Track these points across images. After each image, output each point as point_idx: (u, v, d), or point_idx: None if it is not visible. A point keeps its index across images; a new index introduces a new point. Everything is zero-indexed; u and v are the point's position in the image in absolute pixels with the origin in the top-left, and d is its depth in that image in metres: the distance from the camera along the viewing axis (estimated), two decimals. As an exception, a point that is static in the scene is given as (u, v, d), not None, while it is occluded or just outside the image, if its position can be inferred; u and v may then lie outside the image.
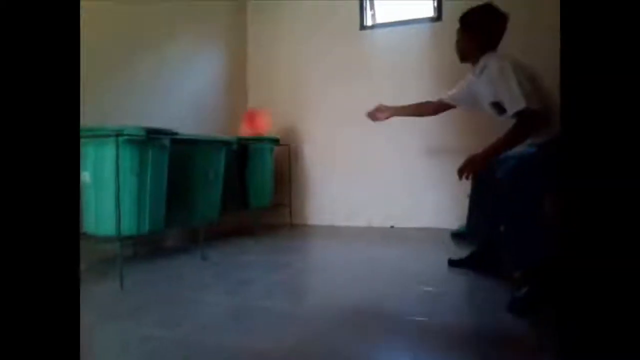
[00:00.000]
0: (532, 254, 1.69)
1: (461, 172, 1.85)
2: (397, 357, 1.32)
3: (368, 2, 3.88)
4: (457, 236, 2.48)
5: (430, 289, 1.88)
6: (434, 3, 3.62)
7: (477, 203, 2.12)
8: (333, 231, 3.63)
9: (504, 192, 1.74)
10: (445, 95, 2.35)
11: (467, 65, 2.09)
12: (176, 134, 2.42)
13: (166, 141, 2.37)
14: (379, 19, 3.90)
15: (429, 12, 3.65)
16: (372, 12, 3.91)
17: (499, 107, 1.89)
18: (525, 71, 1.81)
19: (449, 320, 1.58)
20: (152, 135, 2.23)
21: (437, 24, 3.59)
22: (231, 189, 3.15)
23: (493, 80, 1.84)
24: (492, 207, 2.00)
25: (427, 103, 2.45)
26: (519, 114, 1.75)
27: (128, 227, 2.17)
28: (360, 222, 3.79)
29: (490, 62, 1.88)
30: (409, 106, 2.51)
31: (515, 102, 1.75)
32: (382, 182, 3.75)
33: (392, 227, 3.67)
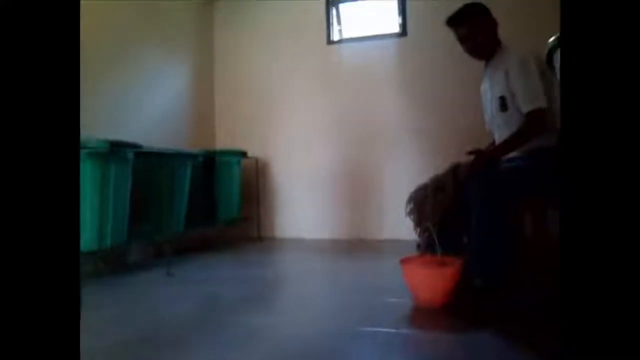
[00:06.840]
0: (496, 265, 1.72)
1: (472, 169, 1.81)
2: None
3: (335, 17, 3.95)
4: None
5: (395, 299, 1.89)
6: (399, 19, 3.71)
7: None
8: (301, 244, 3.62)
9: (475, 203, 1.75)
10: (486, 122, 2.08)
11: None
12: (140, 147, 2.38)
13: (130, 154, 2.33)
14: (346, 34, 3.97)
15: (395, 28, 3.74)
16: (339, 27, 3.97)
17: (502, 103, 1.82)
18: (540, 66, 1.73)
19: (416, 331, 1.60)
20: (115, 148, 2.18)
21: (403, 39, 3.68)
22: (198, 203, 3.11)
23: (512, 74, 1.76)
24: (454, 217, 2.03)
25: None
26: (530, 113, 1.70)
27: (89, 242, 2.11)
28: (328, 234, 3.80)
29: (511, 55, 1.81)
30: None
31: (530, 101, 1.69)
32: (349, 194, 3.78)
33: (359, 239, 3.70)
